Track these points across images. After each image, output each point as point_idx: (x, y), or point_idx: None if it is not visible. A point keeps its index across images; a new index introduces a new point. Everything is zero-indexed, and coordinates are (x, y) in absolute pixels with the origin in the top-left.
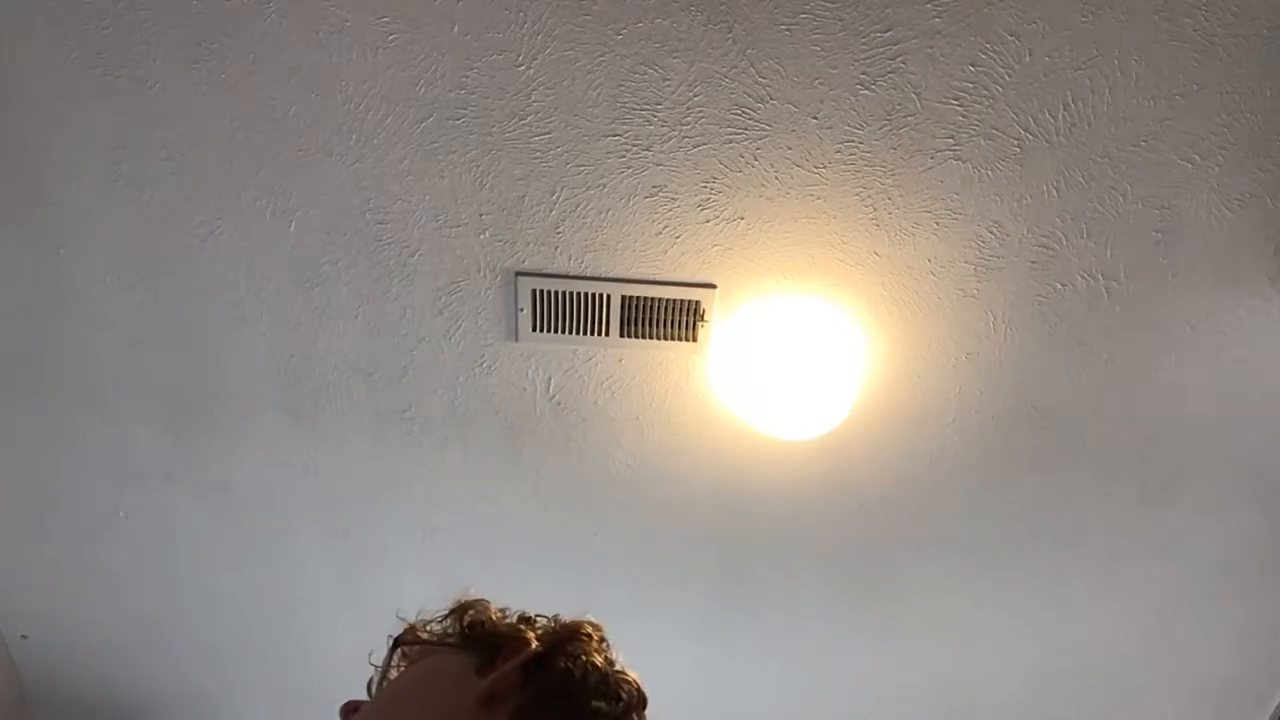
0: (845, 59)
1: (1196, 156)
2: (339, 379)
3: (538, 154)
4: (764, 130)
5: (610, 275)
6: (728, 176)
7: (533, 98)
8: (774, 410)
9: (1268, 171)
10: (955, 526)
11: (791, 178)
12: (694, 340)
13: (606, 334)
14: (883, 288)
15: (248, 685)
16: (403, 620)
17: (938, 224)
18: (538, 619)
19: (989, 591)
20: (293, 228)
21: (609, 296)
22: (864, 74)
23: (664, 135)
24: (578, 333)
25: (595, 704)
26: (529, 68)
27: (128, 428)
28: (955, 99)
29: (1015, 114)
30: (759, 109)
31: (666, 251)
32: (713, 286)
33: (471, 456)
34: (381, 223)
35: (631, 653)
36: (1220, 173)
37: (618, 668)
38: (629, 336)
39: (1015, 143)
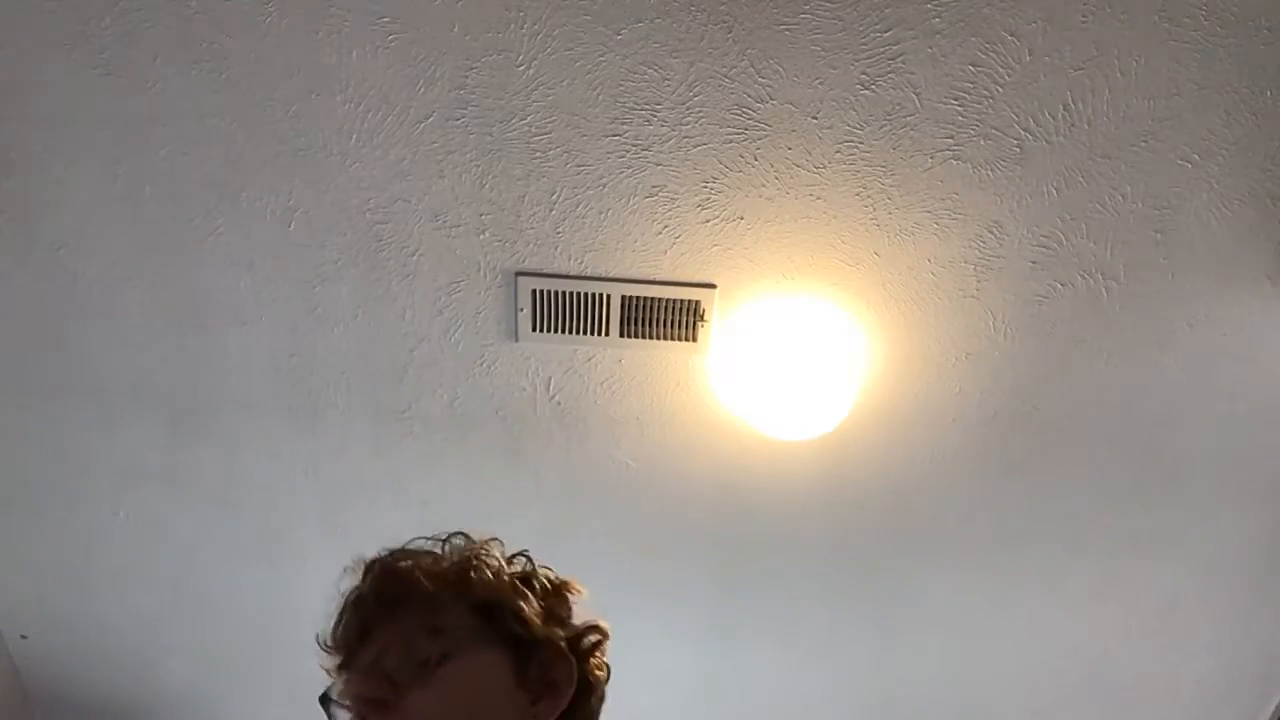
0: (845, 59)
1: (1196, 156)
2: (339, 379)
3: (538, 154)
4: (764, 130)
5: (610, 275)
6: (728, 176)
7: (533, 98)
8: (774, 410)
9: (1268, 171)
10: (955, 526)
11: (791, 178)
12: (694, 340)
13: (606, 334)
14: (883, 288)
15: (248, 685)
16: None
17: (938, 224)
18: (535, 580)
19: (989, 591)
20: (293, 228)
21: (609, 296)
22: (864, 74)
23: (664, 135)
24: (578, 333)
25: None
26: (529, 68)
27: (128, 428)
28: (955, 99)
29: (1015, 114)
30: (759, 109)
31: (666, 251)
32: (713, 286)
33: (471, 456)
34: (381, 223)
35: (632, 652)
36: (1220, 173)
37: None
38: (629, 336)
39: (1015, 143)
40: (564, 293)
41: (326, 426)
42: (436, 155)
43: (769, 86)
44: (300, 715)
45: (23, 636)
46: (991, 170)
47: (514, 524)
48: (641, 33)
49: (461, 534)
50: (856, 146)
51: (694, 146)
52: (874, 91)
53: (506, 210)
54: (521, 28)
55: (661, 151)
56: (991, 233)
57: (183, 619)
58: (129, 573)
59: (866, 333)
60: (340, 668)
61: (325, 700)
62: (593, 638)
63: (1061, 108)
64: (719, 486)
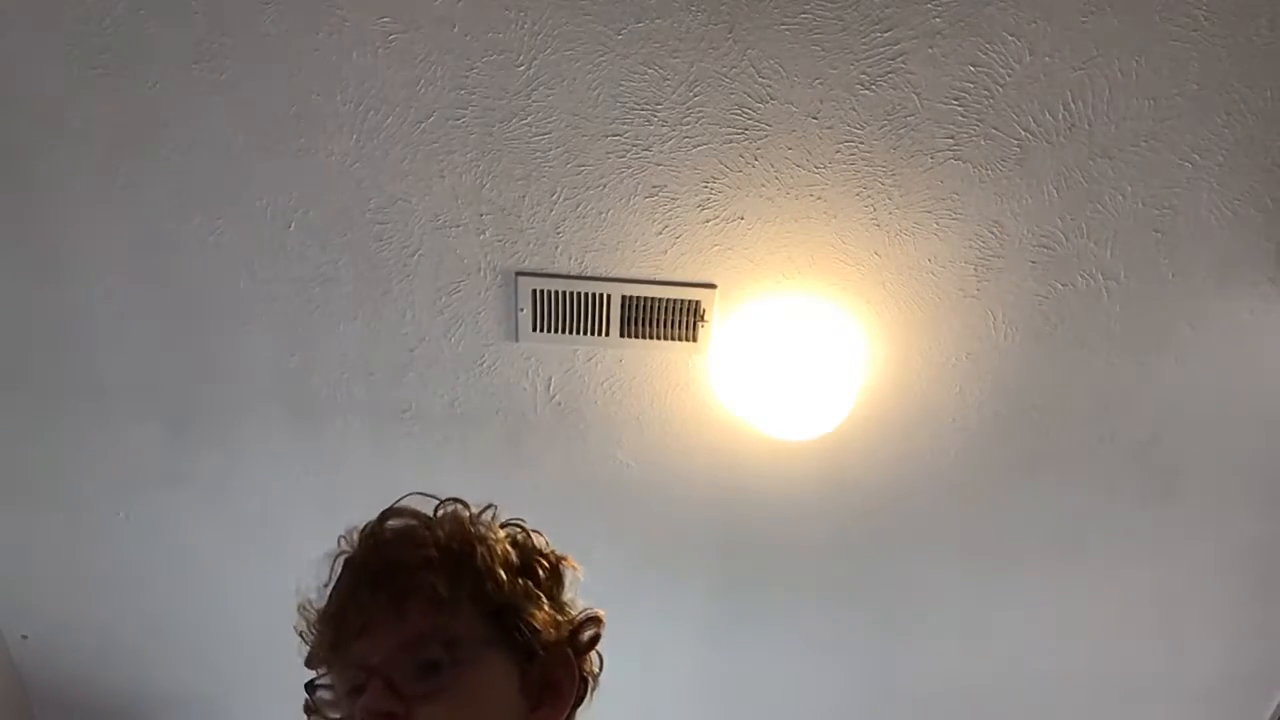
0: (845, 59)
1: (1196, 156)
2: (339, 379)
3: (538, 154)
4: (764, 130)
5: (610, 275)
6: (728, 176)
7: (533, 98)
8: (774, 410)
9: (1268, 171)
10: (955, 526)
11: (792, 178)
12: (694, 340)
13: (607, 334)
14: (883, 288)
15: (248, 685)
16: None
17: (938, 224)
18: (538, 567)
19: (989, 591)
20: (293, 228)
21: (609, 296)
22: (864, 74)
23: (664, 135)
24: (578, 333)
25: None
26: (529, 68)
27: (128, 428)
28: (955, 99)
29: (1015, 114)
30: (759, 109)
31: (666, 251)
32: (713, 286)
33: (471, 456)
34: (381, 223)
35: (632, 652)
36: (1220, 173)
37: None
38: (629, 336)
39: (1015, 143)
40: (564, 293)
41: (326, 426)
42: (437, 155)
43: (769, 86)
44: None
45: (23, 636)
46: (992, 170)
47: None
48: (641, 33)
49: (457, 500)
50: (857, 146)
51: (694, 146)
52: (874, 92)
53: (507, 210)
54: (521, 28)
55: (662, 151)
56: (991, 233)
57: (183, 619)
58: (129, 573)
59: (866, 333)
60: (333, 651)
61: (312, 688)
62: (590, 632)
63: (1061, 108)
64: (719, 486)
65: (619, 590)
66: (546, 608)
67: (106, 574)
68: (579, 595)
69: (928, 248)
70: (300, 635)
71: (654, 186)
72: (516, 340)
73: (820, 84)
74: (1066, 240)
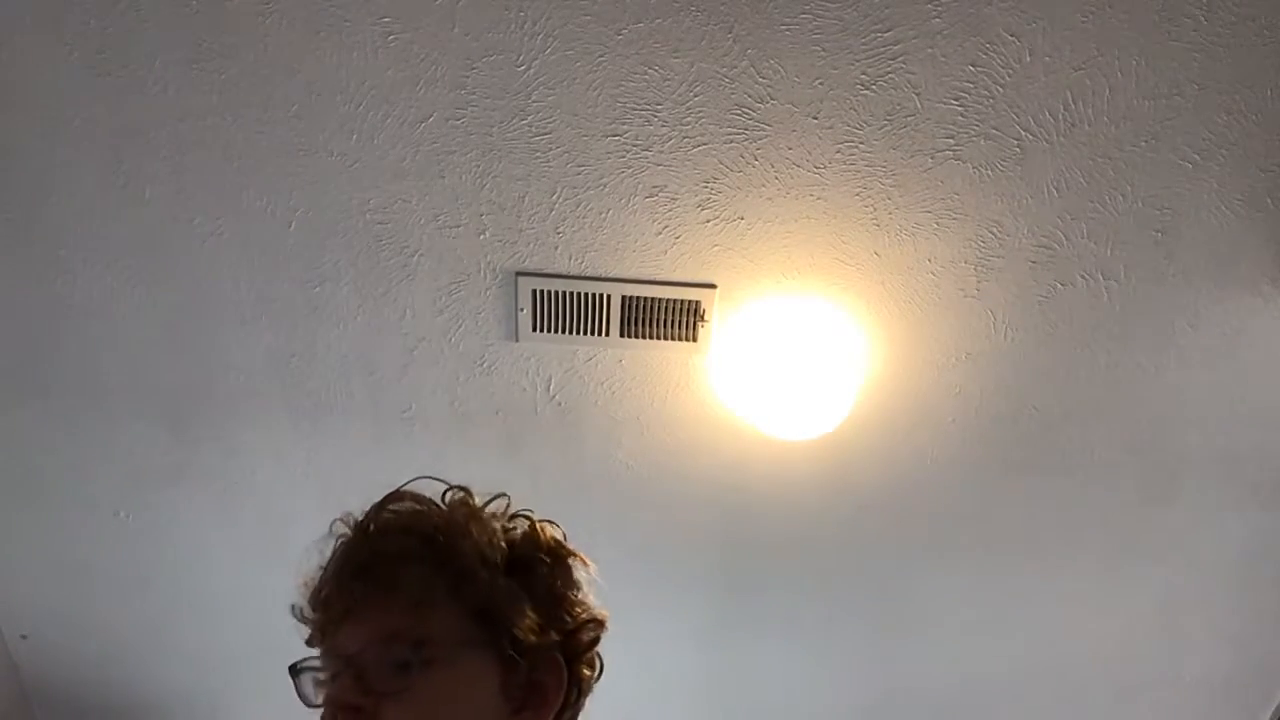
0: (846, 59)
1: (1197, 156)
2: (339, 379)
3: (538, 154)
4: (764, 130)
5: (610, 275)
6: (728, 176)
7: (533, 98)
8: (774, 410)
9: (1268, 171)
10: (955, 526)
11: (792, 178)
12: (694, 340)
13: (607, 334)
14: (883, 288)
15: (248, 685)
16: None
17: (938, 224)
18: (538, 564)
19: (989, 591)
20: (293, 228)
21: (609, 296)
22: (864, 74)
23: (664, 135)
24: (578, 333)
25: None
26: (529, 68)
27: (128, 428)
28: (955, 99)
29: (1015, 114)
30: (759, 109)
31: (666, 251)
32: (713, 286)
33: (471, 456)
34: (381, 223)
35: (632, 652)
36: (1220, 173)
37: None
38: (629, 336)
39: (1015, 143)
40: (564, 293)
41: (326, 426)
42: (437, 155)
43: (769, 86)
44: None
45: (23, 636)
46: (992, 170)
47: None
48: (642, 33)
49: (462, 489)
50: (857, 147)
51: (694, 146)
52: (874, 92)
53: (507, 210)
54: (521, 28)
55: (662, 151)
56: (992, 233)
57: (183, 619)
58: (129, 572)
59: (867, 333)
60: (320, 636)
61: (296, 670)
62: (589, 634)
63: (1061, 108)
64: (719, 486)
65: (619, 590)
66: (530, 611)
67: (106, 574)
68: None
69: (928, 248)
70: (300, 615)
71: (654, 186)
72: (516, 340)
73: (820, 84)
74: (1066, 240)
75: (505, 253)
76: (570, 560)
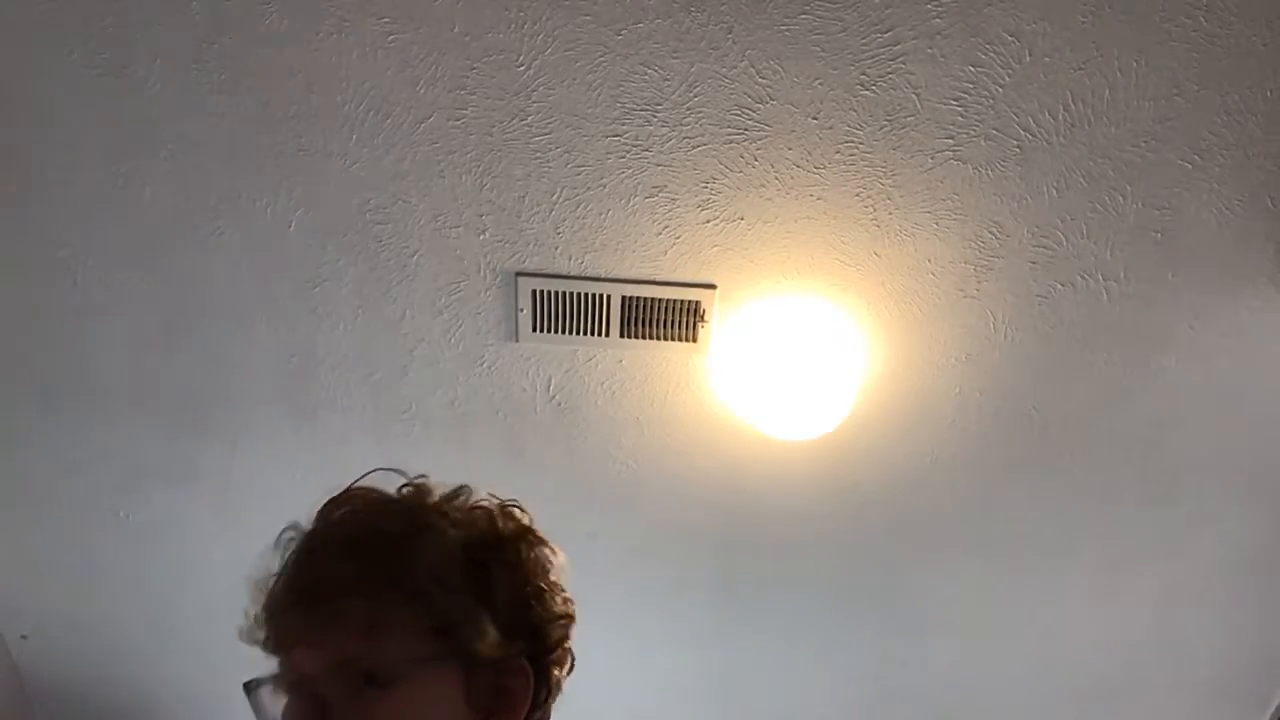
0: (845, 59)
1: (1196, 156)
2: (339, 379)
3: (538, 154)
4: (764, 131)
5: (610, 275)
6: (728, 177)
7: (533, 98)
8: (774, 410)
9: (1268, 172)
10: (955, 526)
11: (791, 178)
12: (694, 340)
13: (607, 334)
14: (883, 288)
15: None
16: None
17: (938, 224)
18: (502, 561)
19: (989, 591)
20: (293, 228)
21: (609, 297)
22: (864, 74)
23: (664, 136)
24: (578, 333)
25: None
26: (529, 68)
27: (128, 428)
28: (955, 99)
29: (1015, 114)
30: (759, 109)
31: (666, 252)
32: (713, 287)
33: (471, 456)
34: (381, 223)
35: (631, 652)
36: (1220, 173)
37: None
38: (629, 337)
39: (1015, 143)
40: (564, 293)
41: (326, 426)
42: (436, 155)
43: (769, 87)
44: None
45: (23, 636)
46: (992, 171)
47: None
48: (641, 33)
49: (419, 479)
50: (857, 147)
51: (694, 147)
52: (874, 92)
53: (507, 210)
54: (521, 28)
55: (662, 152)
56: (991, 233)
57: (183, 619)
58: (129, 572)
59: (866, 333)
60: (275, 649)
61: (252, 686)
62: (557, 633)
63: (1061, 108)
64: (719, 487)
65: (619, 590)
66: (490, 626)
67: (106, 574)
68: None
69: (927, 248)
70: (254, 624)
71: (654, 187)
72: (516, 340)
73: (820, 84)
74: (1066, 240)
75: (505, 253)
76: (535, 550)
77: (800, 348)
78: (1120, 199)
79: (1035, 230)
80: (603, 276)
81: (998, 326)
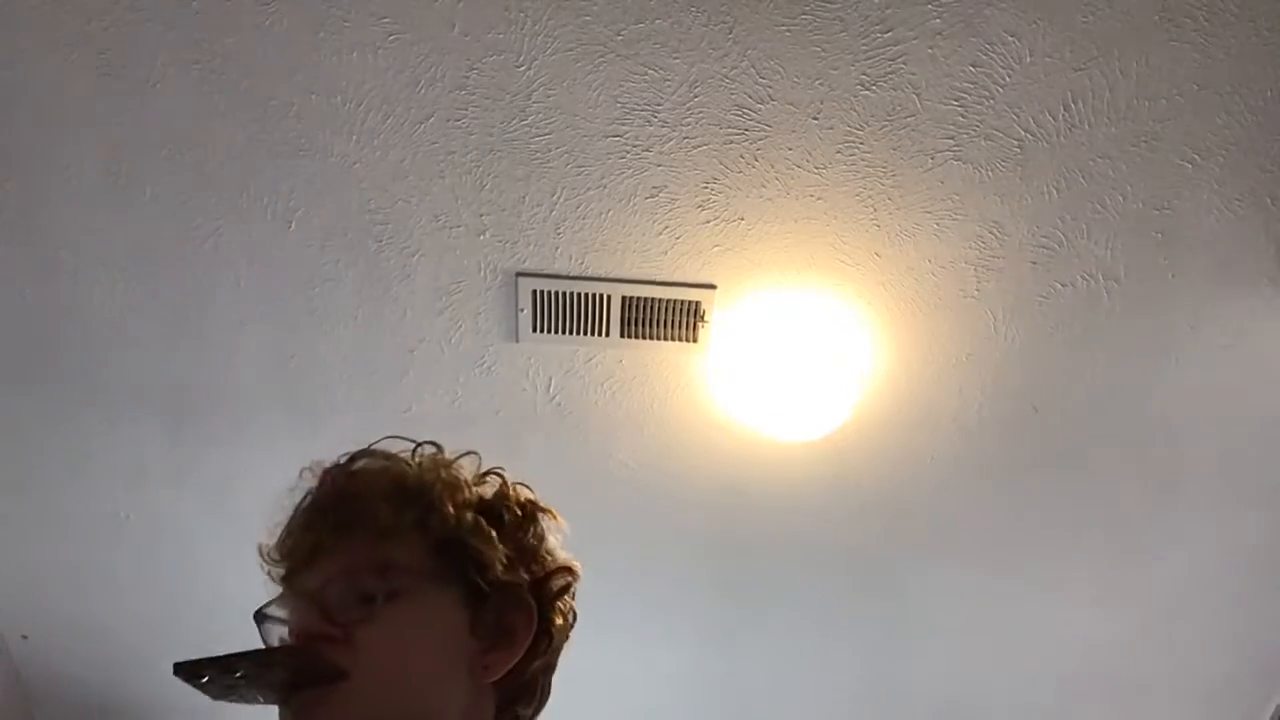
0: (846, 60)
1: (1196, 156)
2: (339, 379)
3: (538, 155)
4: (764, 131)
5: (610, 275)
6: (728, 177)
7: (533, 99)
8: (774, 411)
9: (1268, 171)
10: (955, 527)
11: (792, 178)
12: (694, 341)
13: (607, 334)
14: (883, 288)
15: None
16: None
17: (938, 224)
18: (506, 510)
19: (989, 591)
20: (293, 228)
21: (609, 297)
22: (864, 75)
23: (664, 136)
24: (578, 333)
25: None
26: (529, 68)
27: (128, 428)
28: (956, 99)
29: (1015, 114)
30: (759, 110)
31: (667, 252)
32: (713, 287)
33: None
34: (381, 223)
35: (632, 653)
36: (1220, 173)
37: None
38: (629, 337)
39: (1015, 143)
40: (564, 293)
41: (326, 426)
42: (437, 156)
43: (769, 87)
44: None
45: (23, 636)
46: (992, 171)
47: None
48: (642, 33)
49: (433, 444)
50: (857, 147)
51: (694, 147)
52: (874, 92)
53: (507, 211)
54: (521, 28)
55: (662, 152)
56: (992, 233)
57: (183, 619)
58: (129, 573)
59: (867, 333)
60: (284, 582)
61: (261, 616)
62: (560, 581)
63: (1061, 108)
64: (719, 487)
65: (618, 590)
66: (500, 545)
67: (106, 574)
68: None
69: (928, 248)
70: (266, 560)
71: (654, 187)
72: (516, 340)
73: (820, 84)
74: (1066, 240)
75: (505, 253)
76: (541, 516)
77: (800, 348)
78: (1120, 199)
79: (1035, 230)
80: (603, 276)
81: (998, 326)
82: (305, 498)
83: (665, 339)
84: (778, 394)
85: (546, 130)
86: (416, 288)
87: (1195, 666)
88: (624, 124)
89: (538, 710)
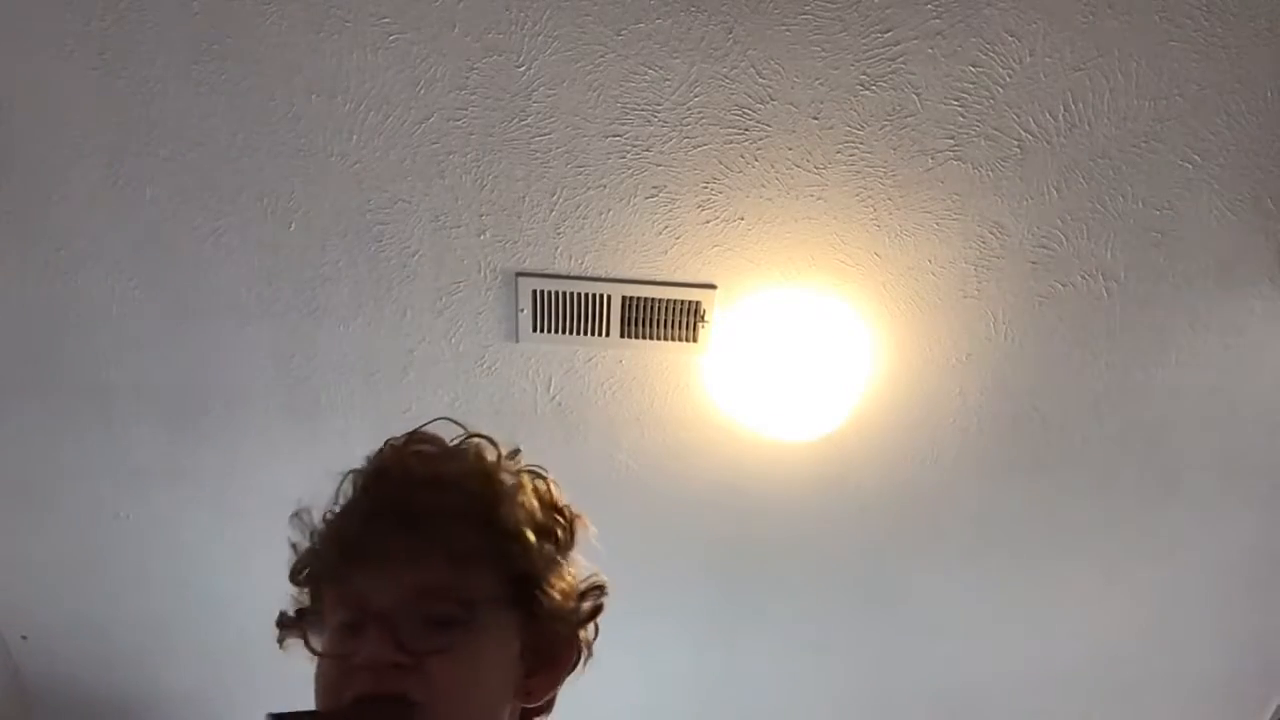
0: (846, 59)
1: (1196, 157)
2: (339, 379)
3: (538, 155)
4: (764, 131)
5: (611, 275)
6: (728, 177)
7: (533, 98)
8: (774, 411)
9: (1268, 171)
10: (955, 526)
11: (792, 178)
12: (694, 340)
13: (607, 334)
14: (883, 288)
15: (248, 685)
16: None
17: (938, 224)
18: (558, 525)
19: (989, 591)
20: (293, 228)
21: (609, 297)
22: (864, 74)
23: (664, 136)
24: (578, 333)
25: None
26: (529, 68)
27: (128, 427)
28: (956, 99)
29: (1015, 114)
30: (759, 109)
31: (667, 252)
32: (713, 287)
33: None
34: (381, 223)
35: (631, 653)
36: (1220, 173)
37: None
38: (629, 337)
39: (1015, 143)
40: (564, 293)
41: (327, 426)
42: (437, 156)
43: (769, 87)
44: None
45: (23, 637)
46: (992, 171)
47: None
48: (642, 33)
49: (485, 437)
50: (857, 147)
51: (694, 147)
52: (875, 92)
53: (507, 211)
54: (521, 28)
55: (662, 152)
56: (992, 233)
57: (183, 619)
58: (129, 573)
59: (867, 333)
60: (333, 577)
61: (299, 617)
62: (596, 601)
63: (1062, 108)
64: (719, 487)
65: (618, 590)
66: (566, 576)
67: (106, 574)
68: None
69: (928, 248)
70: (293, 546)
71: (654, 187)
72: (516, 340)
73: (820, 84)
74: (1066, 240)
75: (505, 253)
76: (576, 523)
77: (800, 348)
78: (1120, 199)
79: (1035, 230)
80: (603, 276)
81: (998, 326)
82: (369, 489)
83: (665, 339)
84: (778, 394)
85: (546, 130)
86: (416, 288)
87: (1195, 666)
88: (624, 124)
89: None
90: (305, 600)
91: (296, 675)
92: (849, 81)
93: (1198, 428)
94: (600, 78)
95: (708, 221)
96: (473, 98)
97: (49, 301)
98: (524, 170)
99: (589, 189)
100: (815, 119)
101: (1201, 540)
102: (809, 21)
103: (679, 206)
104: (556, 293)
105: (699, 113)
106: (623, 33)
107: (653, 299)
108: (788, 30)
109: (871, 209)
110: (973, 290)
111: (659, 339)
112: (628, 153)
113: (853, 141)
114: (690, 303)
